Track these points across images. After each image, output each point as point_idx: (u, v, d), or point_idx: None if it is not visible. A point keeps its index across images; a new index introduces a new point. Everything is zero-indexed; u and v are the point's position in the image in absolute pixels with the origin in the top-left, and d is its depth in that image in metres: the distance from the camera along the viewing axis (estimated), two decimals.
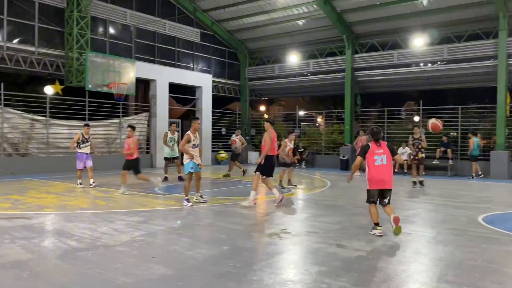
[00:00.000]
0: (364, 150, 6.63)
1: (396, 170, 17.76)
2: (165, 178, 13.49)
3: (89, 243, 5.78)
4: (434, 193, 11.82)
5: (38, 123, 16.00)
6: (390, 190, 6.55)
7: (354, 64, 20.26)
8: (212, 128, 21.96)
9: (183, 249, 5.55)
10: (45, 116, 15.99)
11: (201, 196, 9.30)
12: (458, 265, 5.04)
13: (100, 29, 18.24)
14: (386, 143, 6.73)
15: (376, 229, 6.43)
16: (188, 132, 8.91)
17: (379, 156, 6.50)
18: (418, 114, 20.48)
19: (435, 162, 17.21)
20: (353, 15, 19.19)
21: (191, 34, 21.80)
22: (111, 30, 18.60)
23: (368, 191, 6.58)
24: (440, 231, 6.89)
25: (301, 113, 25.18)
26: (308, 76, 22.60)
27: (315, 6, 19.15)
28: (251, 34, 22.80)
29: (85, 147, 11.84)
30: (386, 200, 6.54)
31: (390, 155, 6.57)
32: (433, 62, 19.08)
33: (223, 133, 23.26)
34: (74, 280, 4.36)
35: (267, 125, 9.42)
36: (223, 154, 22.10)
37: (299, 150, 20.63)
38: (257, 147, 24.09)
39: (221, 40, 23.20)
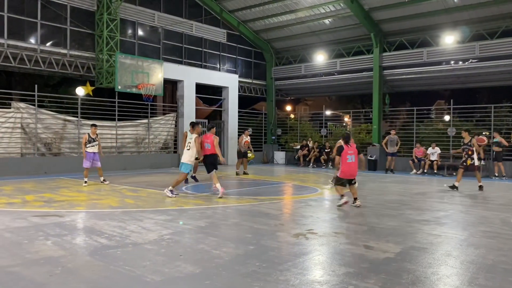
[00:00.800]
0: (340, 150, 8.74)
1: (425, 171, 17.41)
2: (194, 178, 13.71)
3: (119, 240, 5.90)
4: (464, 194, 11.51)
5: (70, 123, 16.45)
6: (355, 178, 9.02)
7: (382, 62, 19.95)
8: (238, 128, 22.06)
9: (210, 247, 5.60)
10: (77, 117, 16.43)
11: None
12: (490, 268, 4.89)
13: (129, 31, 18.61)
14: (355, 144, 9.01)
15: (341, 199, 8.64)
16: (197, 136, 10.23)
17: (350, 156, 8.67)
18: (448, 114, 19.99)
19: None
20: (381, 13, 18.90)
21: (218, 34, 21.97)
22: (140, 32, 18.96)
23: (339, 178, 8.87)
24: (472, 233, 6.71)
25: (328, 112, 24.98)
26: (335, 75, 22.41)
27: (342, 5, 18.96)
28: (277, 33, 22.79)
29: (92, 146, 12.16)
30: (353, 182, 9.01)
31: (357, 153, 8.86)
32: (464, 60, 18.58)
33: (249, 133, 23.29)
34: (104, 277, 4.46)
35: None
36: (249, 154, 22.21)
37: (326, 150, 20.48)
38: (283, 147, 24.07)
39: (247, 40, 23.29)
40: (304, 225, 7.11)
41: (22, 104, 15.33)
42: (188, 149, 10.11)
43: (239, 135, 21.96)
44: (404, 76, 20.05)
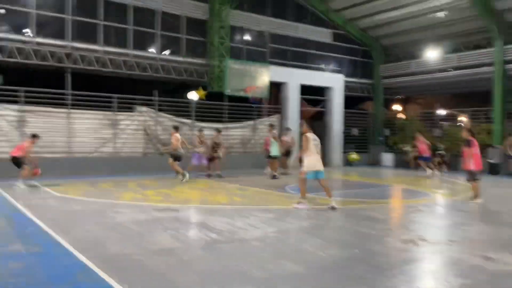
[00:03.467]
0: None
1: None
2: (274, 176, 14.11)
3: (228, 236, 6.22)
4: None
5: (185, 126, 17.71)
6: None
7: (505, 56, 18.03)
8: (345, 129, 21.66)
9: (314, 248, 5.62)
10: (191, 119, 17.62)
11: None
12: None
13: (237, 37, 19.42)
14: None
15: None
16: None
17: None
18: None
19: None
20: (504, 2, 17.08)
21: (323, 35, 21.84)
22: (247, 37, 19.66)
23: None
24: None
25: (442, 111, 23.27)
26: (450, 71, 20.83)
27: None
28: (385, 30, 21.91)
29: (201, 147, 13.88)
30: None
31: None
32: None
33: (355, 134, 22.78)
34: (215, 271, 4.75)
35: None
36: (354, 155, 21.68)
37: (439, 152, 19.11)
38: (391, 148, 23.04)
39: (353, 39, 22.77)
40: (413, 231, 6.76)
41: (144, 108, 16.90)
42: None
43: (345, 137, 21.60)
44: None
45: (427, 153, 16.32)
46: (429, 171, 15.92)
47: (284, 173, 15.27)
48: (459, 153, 19.53)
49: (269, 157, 14.78)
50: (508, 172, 16.28)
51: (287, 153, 16.17)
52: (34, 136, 11.83)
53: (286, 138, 16.45)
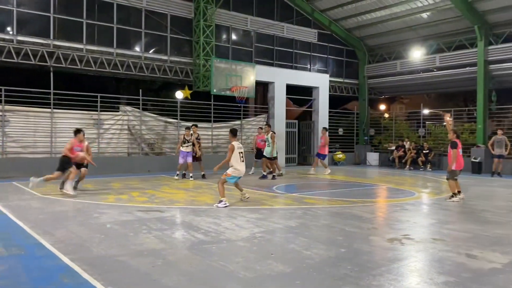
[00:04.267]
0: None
1: None
2: (273, 176, 14.24)
3: (214, 236, 6.18)
4: None
5: (170, 125, 17.59)
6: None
7: (487, 56, 18.33)
8: (329, 128, 21.75)
9: (300, 248, 5.62)
10: (176, 119, 17.50)
11: None
12: None
13: (223, 36, 19.36)
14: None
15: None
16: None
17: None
18: None
19: None
20: (486, 3, 17.34)
21: (309, 35, 21.92)
22: (233, 36, 19.61)
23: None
24: None
25: (426, 111, 23.55)
26: (434, 71, 21.09)
27: None
28: (370, 30, 22.08)
29: (187, 146, 13.66)
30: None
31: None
32: None
33: (340, 133, 22.92)
34: (201, 271, 4.71)
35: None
36: (340, 155, 21.82)
37: (424, 151, 19.36)
38: (376, 148, 23.25)
39: (338, 39, 22.90)
40: (399, 230, 6.81)
41: (128, 108, 16.73)
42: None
43: (329, 135, 21.69)
44: None
45: (323, 151, 16.58)
46: (312, 170, 16.49)
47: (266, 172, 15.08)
48: (442, 152, 19.91)
49: (265, 157, 14.58)
50: (490, 170, 16.55)
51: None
52: (77, 131, 10.60)
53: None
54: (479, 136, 18.42)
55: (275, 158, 14.68)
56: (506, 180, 14.99)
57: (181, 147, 13.73)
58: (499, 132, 16.56)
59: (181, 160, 13.72)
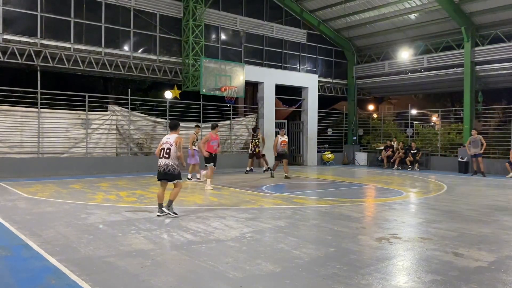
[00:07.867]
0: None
1: None
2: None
3: (203, 237, 6.17)
4: None
5: (159, 125, 17.49)
6: None
7: (474, 58, 18.57)
8: (318, 128, 21.87)
9: (289, 247, 5.64)
10: (165, 119, 17.42)
11: None
12: None
13: (213, 36, 19.32)
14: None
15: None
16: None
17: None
18: None
19: None
20: (472, 5, 17.59)
21: (298, 35, 21.99)
22: (223, 36, 19.58)
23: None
24: None
25: (414, 111, 23.78)
26: (422, 72, 21.31)
27: None
28: (359, 31, 22.23)
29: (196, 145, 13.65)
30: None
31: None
32: None
33: (329, 133, 23.02)
34: (190, 271, 4.70)
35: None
36: (329, 155, 21.93)
37: (412, 152, 19.55)
38: (365, 148, 23.41)
39: (327, 39, 23.01)
40: (387, 229, 6.87)
41: (117, 107, 16.60)
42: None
43: (318, 135, 21.83)
44: (499, 72, 18.44)
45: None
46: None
47: (273, 175, 15.20)
48: (430, 152, 20.12)
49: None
50: (475, 170, 16.76)
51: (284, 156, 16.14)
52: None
53: (282, 138, 17.10)
54: (466, 136, 18.64)
55: (263, 155, 16.26)
56: (492, 180, 15.21)
57: (193, 146, 13.58)
58: (473, 132, 16.79)
59: (196, 160, 13.58)
